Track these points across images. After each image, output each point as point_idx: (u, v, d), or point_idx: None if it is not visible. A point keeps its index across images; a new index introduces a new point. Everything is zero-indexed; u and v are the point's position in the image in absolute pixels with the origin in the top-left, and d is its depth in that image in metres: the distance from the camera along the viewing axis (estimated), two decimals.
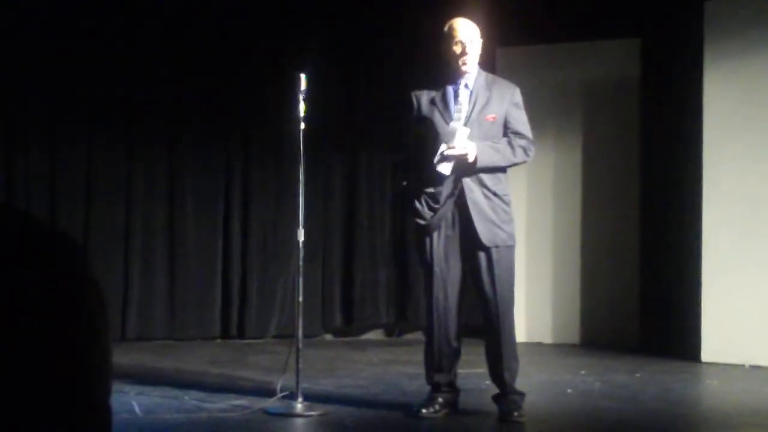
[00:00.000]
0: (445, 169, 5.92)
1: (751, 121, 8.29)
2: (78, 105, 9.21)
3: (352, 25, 9.85)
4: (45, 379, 1.11)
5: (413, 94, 6.19)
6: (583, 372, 7.89)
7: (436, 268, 6.06)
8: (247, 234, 9.69)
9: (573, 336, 9.63)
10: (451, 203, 6.00)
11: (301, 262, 6.39)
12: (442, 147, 5.90)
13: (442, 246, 6.05)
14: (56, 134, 9.19)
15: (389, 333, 10.21)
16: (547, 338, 9.67)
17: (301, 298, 6.38)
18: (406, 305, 10.07)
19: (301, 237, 6.35)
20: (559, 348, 9.40)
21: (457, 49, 6.05)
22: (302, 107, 6.28)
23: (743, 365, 8.15)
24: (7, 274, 1.12)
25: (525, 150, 6.18)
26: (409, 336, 10.11)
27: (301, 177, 6.33)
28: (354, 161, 10.03)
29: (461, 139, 5.91)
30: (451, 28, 6.11)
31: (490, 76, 6.30)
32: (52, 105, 9.15)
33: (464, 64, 6.06)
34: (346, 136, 9.96)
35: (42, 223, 1.20)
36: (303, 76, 6.28)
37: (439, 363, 6.17)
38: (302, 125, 6.28)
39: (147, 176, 9.46)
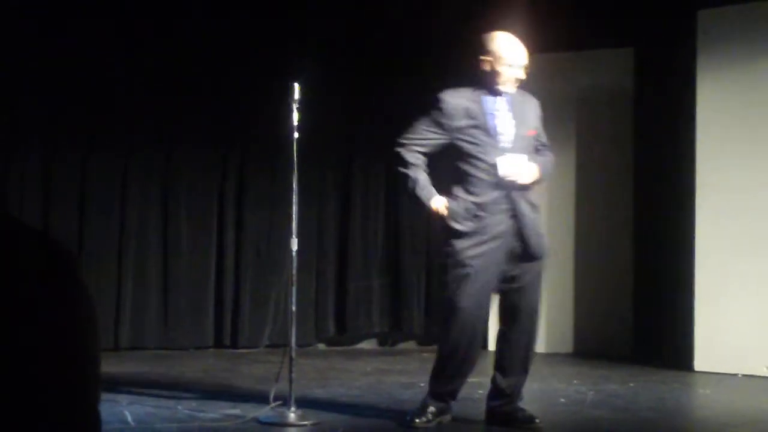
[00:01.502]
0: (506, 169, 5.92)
1: (744, 129, 8.31)
2: (73, 115, 9.20)
3: (348, 33, 9.85)
4: (37, 382, 1.11)
5: (446, 100, 6.01)
6: (575, 381, 7.89)
7: (475, 277, 5.90)
8: (241, 243, 9.68)
9: (566, 345, 9.63)
10: (502, 215, 5.98)
11: (294, 272, 6.38)
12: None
13: (487, 256, 5.95)
14: (51, 143, 9.18)
15: (382, 342, 10.21)
16: (540, 347, 9.64)
17: (294, 308, 6.38)
18: (399, 315, 10.07)
19: (294, 246, 6.35)
20: (552, 357, 9.40)
21: (511, 71, 6.01)
22: (296, 116, 6.28)
23: (736, 374, 8.15)
24: (1, 281, 1.12)
25: (552, 162, 6.24)
26: (402, 345, 10.11)
27: (295, 186, 6.32)
28: (348, 171, 10.03)
29: (511, 164, 5.92)
30: (508, 49, 6.02)
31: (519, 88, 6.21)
32: (47, 112, 9.14)
33: (509, 85, 6.02)
34: (341, 146, 9.97)
35: (36, 230, 1.20)
36: (297, 85, 6.28)
37: (454, 374, 6.11)
38: (296, 134, 6.28)
39: (141, 185, 9.45)
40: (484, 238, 5.94)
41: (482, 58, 6.02)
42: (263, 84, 9.14)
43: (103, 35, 9.22)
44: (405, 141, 6.07)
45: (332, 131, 9.72)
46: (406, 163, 6.05)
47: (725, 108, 8.37)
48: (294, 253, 6.35)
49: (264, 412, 6.35)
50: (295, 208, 6.34)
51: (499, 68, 5.99)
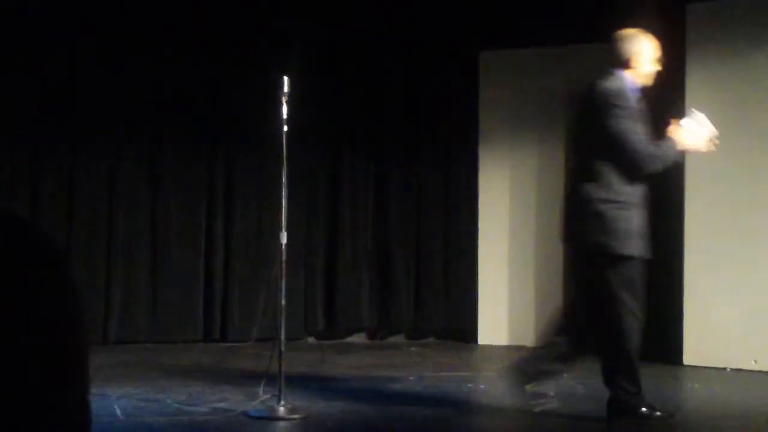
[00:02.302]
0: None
1: (734, 122, 8.31)
2: (62, 109, 9.17)
3: (337, 26, 9.83)
4: (25, 377, 1.10)
5: (628, 94, 6.11)
6: (565, 375, 7.89)
7: (639, 314, 6.10)
8: (230, 236, 9.67)
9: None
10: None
11: (283, 265, 6.38)
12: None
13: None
14: (39, 137, 9.15)
15: (372, 336, 10.21)
16: (530, 341, 9.66)
17: (283, 301, 6.37)
18: (389, 308, 10.07)
19: (283, 240, 6.34)
20: None
21: (653, 67, 6.20)
22: (285, 109, 6.27)
23: (725, 369, 8.17)
24: None
25: None
26: (391, 339, 10.10)
27: (284, 179, 6.32)
28: (337, 164, 10.02)
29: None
30: (650, 46, 6.21)
31: None
32: (36, 108, 9.11)
33: (648, 80, 6.21)
34: (330, 140, 9.95)
35: (25, 222, 1.19)
36: (286, 78, 6.27)
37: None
38: (285, 127, 6.28)
39: (130, 179, 9.42)
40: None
41: (627, 57, 6.15)
42: (253, 77, 9.12)
43: (95, 32, 9.20)
44: (645, 148, 6.06)
45: (321, 125, 9.70)
46: (656, 152, 6.12)
47: (715, 101, 8.36)
48: (283, 247, 6.35)
49: (253, 405, 6.35)
50: (284, 202, 6.34)
51: (644, 65, 6.17)
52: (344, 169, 10.03)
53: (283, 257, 6.37)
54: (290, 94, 6.28)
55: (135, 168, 9.44)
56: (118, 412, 6.23)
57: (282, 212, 6.34)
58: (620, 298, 6.01)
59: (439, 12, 9.65)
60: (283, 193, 6.33)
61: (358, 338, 10.17)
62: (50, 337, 1.14)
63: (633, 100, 6.07)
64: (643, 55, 6.15)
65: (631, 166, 6.02)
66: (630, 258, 6.02)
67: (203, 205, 9.63)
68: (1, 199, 8.94)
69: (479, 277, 9.86)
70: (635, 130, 6.00)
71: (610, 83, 6.09)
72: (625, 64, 6.13)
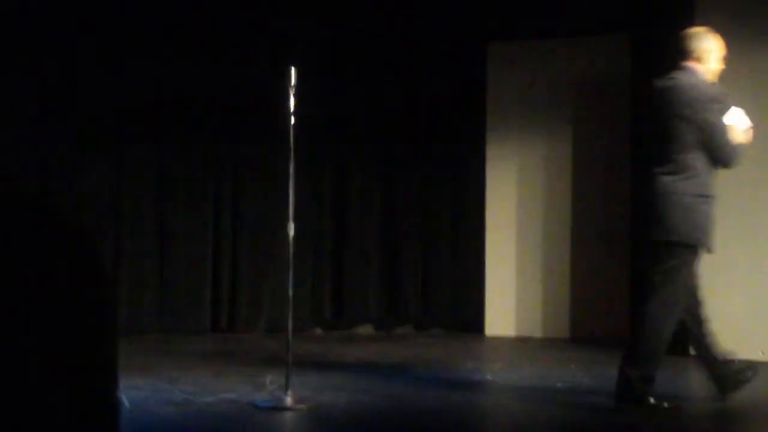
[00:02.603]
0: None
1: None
2: (62, 111, 9.17)
3: (344, 18, 9.83)
4: (55, 368, 1.10)
5: (717, 89, 6.26)
6: (572, 366, 7.90)
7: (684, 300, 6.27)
8: (238, 227, 9.68)
9: (563, 330, 9.65)
10: None
11: (291, 256, 6.39)
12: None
13: None
14: (39, 137, 9.14)
15: (379, 327, 10.22)
16: (537, 332, 9.68)
17: (291, 292, 6.38)
18: (396, 300, 10.08)
19: (291, 231, 6.35)
20: (549, 342, 9.42)
21: (720, 65, 6.29)
22: (293, 101, 6.28)
23: None
24: (17, 266, 1.11)
25: None
26: (399, 330, 10.11)
27: (292, 170, 6.32)
28: (345, 155, 10.02)
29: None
30: (718, 44, 6.30)
31: None
32: (36, 108, 9.10)
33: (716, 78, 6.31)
34: (338, 130, 9.95)
35: (35, 202, 1.18)
36: (293, 70, 6.28)
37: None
38: (293, 119, 6.28)
39: (136, 171, 9.43)
40: None
41: (698, 54, 6.25)
42: (261, 69, 9.11)
43: (95, 32, 9.20)
44: (735, 144, 6.20)
45: (329, 118, 9.70)
46: (738, 148, 6.23)
47: None
48: (291, 238, 6.36)
49: (260, 395, 6.36)
50: (291, 193, 6.34)
51: (713, 63, 6.27)
52: (352, 161, 10.03)
53: (291, 248, 6.38)
54: (298, 86, 6.28)
55: (141, 160, 9.44)
56: (126, 402, 6.24)
57: (290, 203, 6.35)
58: (687, 288, 6.21)
59: (447, 3, 9.64)
60: (291, 184, 6.34)
61: (366, 329, 10.18)
62: (79, 327, 1.12)
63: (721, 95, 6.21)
64: (713, 53, 6.26)
65: (722, 161, 6.17)
66: (707, 251, 6.22)
67: (210, 196, 9.64)
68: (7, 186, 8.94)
69: (486, 268, 9.87)
70: (726, 126, 6.14)
71: (692, 77, 6.20)
72: (695, 60, 6.24)
